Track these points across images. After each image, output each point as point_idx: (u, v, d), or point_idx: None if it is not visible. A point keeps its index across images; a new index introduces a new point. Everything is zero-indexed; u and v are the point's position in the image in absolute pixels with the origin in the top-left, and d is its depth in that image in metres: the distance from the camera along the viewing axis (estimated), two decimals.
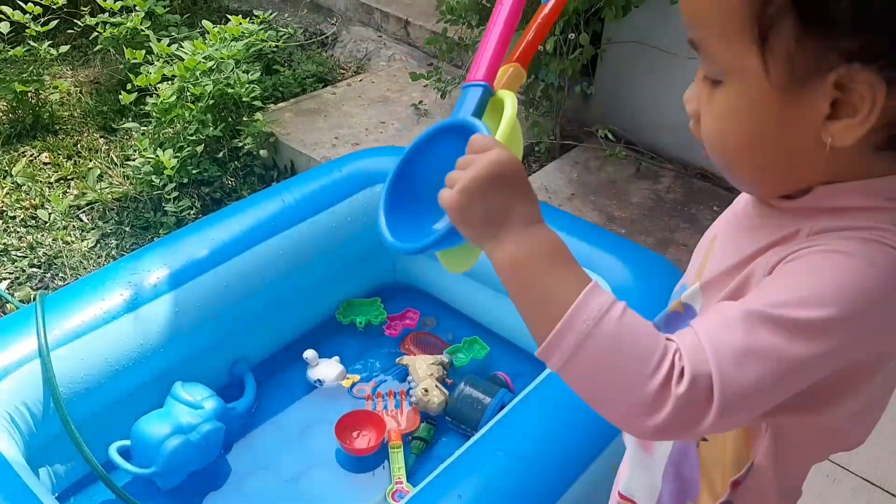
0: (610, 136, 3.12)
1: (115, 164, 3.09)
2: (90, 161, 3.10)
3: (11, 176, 2.97)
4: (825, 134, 0.63)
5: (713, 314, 0.68)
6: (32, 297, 2.42)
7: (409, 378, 2.07)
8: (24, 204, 2.84)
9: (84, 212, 2.83)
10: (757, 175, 0.71)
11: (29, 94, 3.23)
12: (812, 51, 0.61)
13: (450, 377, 2.07)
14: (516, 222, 0.71)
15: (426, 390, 1.97)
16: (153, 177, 2.76)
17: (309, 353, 2.08)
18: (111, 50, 3.36)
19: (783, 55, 0.62)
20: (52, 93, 3.32)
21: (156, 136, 2.92)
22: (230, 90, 2.92)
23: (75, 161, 3.11)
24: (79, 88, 3.53)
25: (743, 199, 0.81)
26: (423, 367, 2.04)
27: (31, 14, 3.21)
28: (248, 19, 3.20)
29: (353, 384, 2.09)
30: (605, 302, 0.66)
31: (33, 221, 2.77)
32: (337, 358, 2.12)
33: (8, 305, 2.40)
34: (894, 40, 0.59)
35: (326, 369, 2.08)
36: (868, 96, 0.61)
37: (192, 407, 1.80)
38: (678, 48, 2.79)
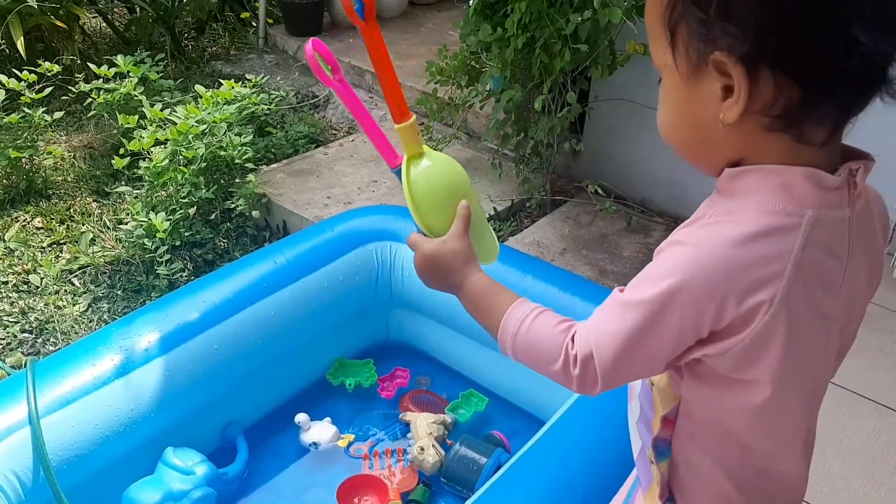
0: (600, 190, 3.15)
1: (108, 228, 3.10)
2: (83, 225, 3.11)
3: (4, 241, 2.98)
4: (720, 113, 0.77)
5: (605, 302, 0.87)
6: (23, 362, 2.40)
7: (410, 435, 2.05)
8: (16, 269, 2.84)
9: (76, 276, 2.83)
10: (688, 151, 0.85)
11: (23, 160, 3.26)
12: (699, 45, 0.76)
13: (451, 437, 2.05)
14: (456, 284, 1.03)
15: (422, 449, 1.96)
16: (145, 240, 2.77)
17: (301, 417, 2.06)
18: (105, 115, 3.40)
19: (684, 51, 0.78)
20: (46, 158, 3.34)
21: (148, 199, 2.93)
22: (222, 153, 2.95)
23: (68, 225, 3.12)
24: (72, 153, 3.56)
25: None
26: (423, 425, 2.02)
27: (26, 82, 3.26)
28: (240, 83, 3.25)
29: (350, 443, 2.06)
30: (522, 314, 0.93)
31: (25, 286, 2.77)
32: (329, 419, 2.10)
33: None
34: (746, 31, 0.72)
35: (320, 432, 2.05)
36: (737, 79, 0.74)
37: (182, 473, 1.77)
38: None
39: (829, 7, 0.69)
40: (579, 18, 2.54)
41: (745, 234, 0.75)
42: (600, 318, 0.85)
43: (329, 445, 2.04)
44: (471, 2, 2.85)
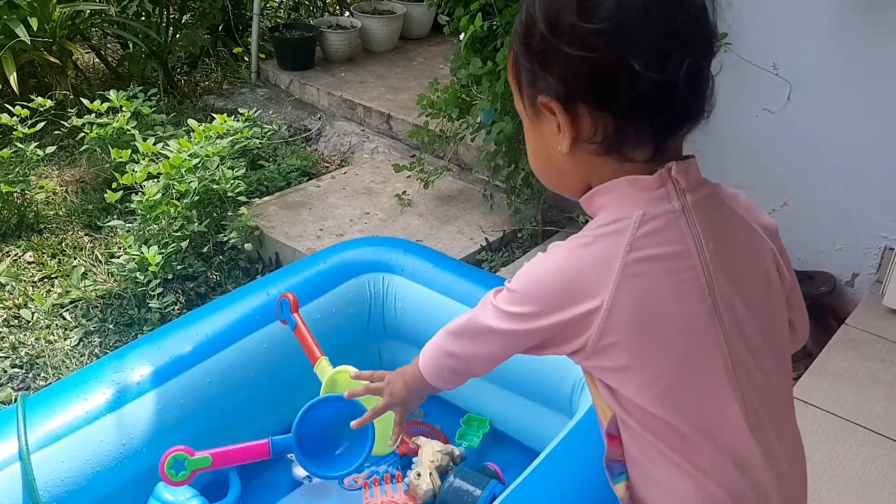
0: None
1: (100, 262, 3.10)
2: (74, 259, 3.11)
3: None
4: (558, 145, 0.91)
5: None
6: (14, 398, 2.38)
7: (415, 460, 2.04)
8: (6, 304, 2.83)
9: (67, 310, 2.82)
10: (549, 182, 1.00)
11: (14, 195, 3.26)
12: (530, 91, 0.92)
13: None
14: (416, 379, 1.32)
15: (419, 474, 1.95)
16: (137, 273, 2.76)
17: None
18: (97, 149, 3.41)
19: (525, 98, 0.94)
20: (38, 193, 3.35)
21: (141, 232, 2.94)
22: (215, 186, 2.96)
23: (60, 259, 3.11)
24: (64, 188, 3.57)
25: None
26: (429, 452, 2.02)
27: (18, 117, 3.27)
28: (233, 117, 3.27)
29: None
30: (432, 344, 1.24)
31: (16, 321, 2.76)
32: None
33: None
34: (558, 76, 0.87)
35: None
36: (559, 116, 0.89)
37: None
38: None
39: (612, 48, 0.83)
40: None
41: (570, 248, 0.93)
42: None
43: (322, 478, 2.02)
44: (461, 36, 2.89)
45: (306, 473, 2.02)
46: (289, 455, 2.03)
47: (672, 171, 0.89)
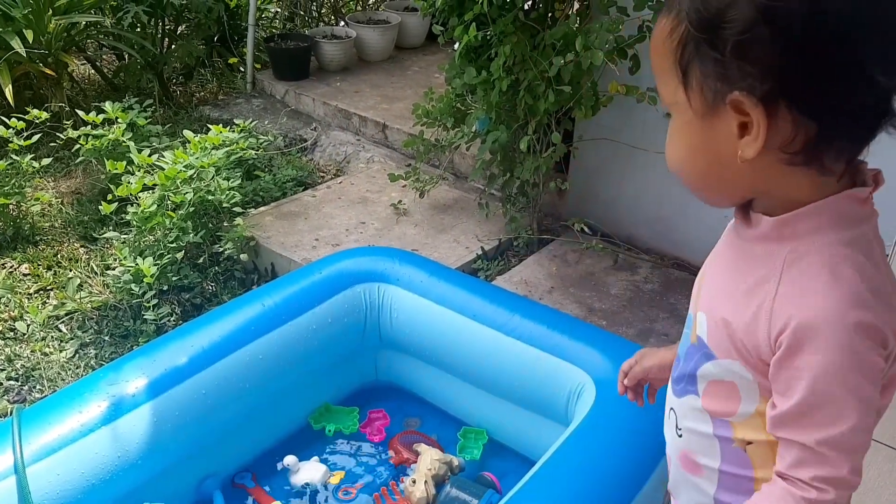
0: (586, 229, 3.18)
1: (95, 274, 3.09)
2: (70, 271, 3.10)
3: None
4: (738, 149, 0.79)
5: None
6: (9, 410, 2.37)
7: (413, 467, 2.06)
8: (2, 316, 2.82)
9: (63, 322, 2.82)
10: (703, 185, 0.87)
11: (10, 207, 3.26)
12: (715, 84, 0.78)
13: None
14: None
15: (414, 482, 1.96)
16: (133, 285, 2.76)
17: (289, 459, 2.04)
18: (93, 161, 3.41)
19: (698, 89, 0.79)
20: (34, 205, 3.34)
21: (136, 244, 2.93)
22: (210, 197, 2.96)
23: (55, 271, 3.11)
24: (60, 199, 3.57)
25: (723, 238, 0.97)
26: (427, 461, 2.02)
27: (14, 129, 3.27)
28: (228, 128, 3.27)
29: (341, 481, 2.05)
30: None
31: (11, 333, 2.75)
32: (316, 458, 2.09)
33: None
34: (765, 70, 0.74)
35: (310, 472, 2.04)
36: (756, 118, 0.76)
37: None
38: (646, 143, 2.88)
39: (848, 48, 0.71)
40: (562, 61, 2.59)
41: (854, 282, 0.78)
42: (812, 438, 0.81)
43: (321, 484, 2.02)
44: (456, 46, 2.89)
45: (304, 482, 2.02)
46: (286, 463, 2.03)
47: (879, 177, 0.83)
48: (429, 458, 2.03)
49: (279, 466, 2.06)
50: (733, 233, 0.93)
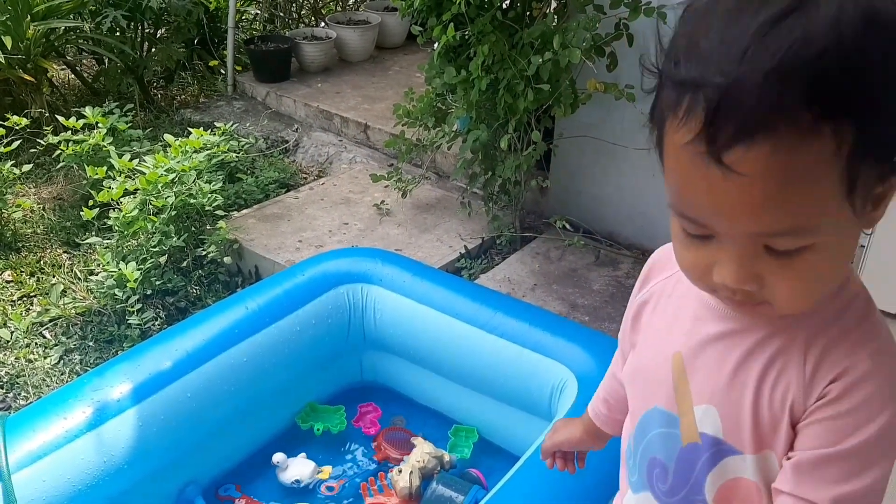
0: (568, 226, 3.20)
1: (79, 279, 3.09)
2: (53, 277, 3.09)
3: None
4: (866, 224, 0.69)
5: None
6: None
7: (406, 458, 2.09)
8: None
9: (47, 328, 2.81)
10: (825, 292, 0.74)
11: None
12: (878, 175, 0.66)
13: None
14: None
15: (400, 471, 1.99)
16: (116, 290, 2.76)
17: (278, 457, 2.06)
18: (74, 167, 3.40)
19: (865, 192, 0.66)
20: (15, 211, 3.33)
21: (119, 249, 2.93)
22: (192, 200, 2.96)
23: (38, 278, 3.10)
24: (42, 205, 3.56)
25: (685, 306, 0.85)
26: (418, 454, 2.05)
27: None
28: (209, 131, 3.27)
29: (330, 476, 2.08)
30: None
31: None
32: (304, 454, 2.11)
33: None
34: None
35: (299, 468, 2.06)
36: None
37: None
38: (625, 140, 2.91)
39: None
40: (540, 60, 2.61)
41: None
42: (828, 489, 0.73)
43: (312, 480, 2.04)
44: (435, 46, 2.91)
45: (293, 478, 2.04)
46: (275, 460, 2.05)
47: None
48: (420, 451, 2.06)
49: (274, 461, 2.07)
50: (708, 311, 0.82)
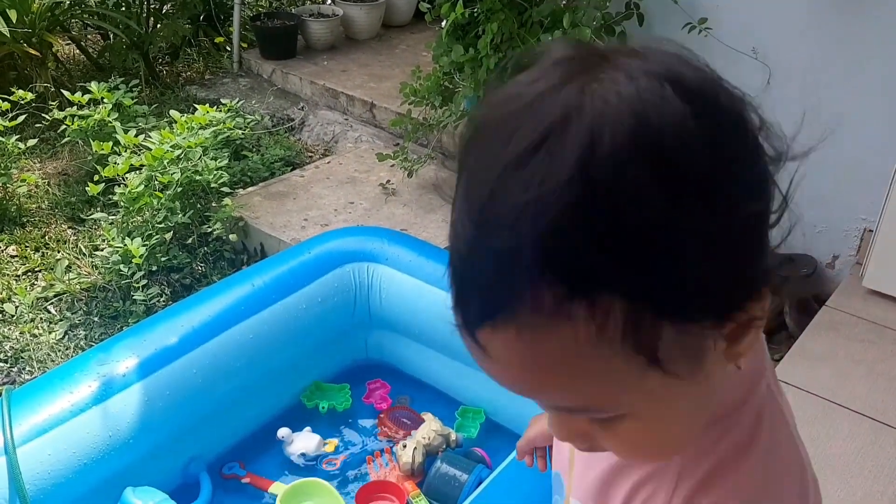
0: None
1: (84, 255, 3.08)
2: (58, 252, 3.09)
3: None
4: (728, 364, 0.57)
5: None
6: None
7: (414, 433, 2.10)
8: None
9: (52, 303, 2.81)
10: (689, 441, 0.62)
11: None
12: (696, 332, 0.52)
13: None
14: None
15: (404, 446, 2.00)
16: (121, 266, 2.76)
17: (283, 431, 2.08)
18: (79, 142, 3.39)
19: (682, 351, 0.52)
20: (20, 186, 3.33)
21: (124, 225, 2.93)
22: (198, 177, 2.95)
23: (43, 253, 3.10)
24: (47, 181, 3.55)
25: None
26: (425, 430, 2.06)
27: None
28: (215, 108, 3.26)
29: (336, 449, 2.10)
30: None
31: (0, 315, 2.75)
32: (309, 428, 2.12)
33: None
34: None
35: (305, 442, 2.07)
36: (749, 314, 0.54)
37: None
38: None
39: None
40: (549, 38, 2.58)
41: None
42: None
43: (318, 453, 2.05)
44: (443, 23, 2.88)
45: (299, 452, 2.04)
46: (280, 435, 2.06)
47: None
48: (427, 428, 2.06)
49: (279, 435, 2.07)
50: None
